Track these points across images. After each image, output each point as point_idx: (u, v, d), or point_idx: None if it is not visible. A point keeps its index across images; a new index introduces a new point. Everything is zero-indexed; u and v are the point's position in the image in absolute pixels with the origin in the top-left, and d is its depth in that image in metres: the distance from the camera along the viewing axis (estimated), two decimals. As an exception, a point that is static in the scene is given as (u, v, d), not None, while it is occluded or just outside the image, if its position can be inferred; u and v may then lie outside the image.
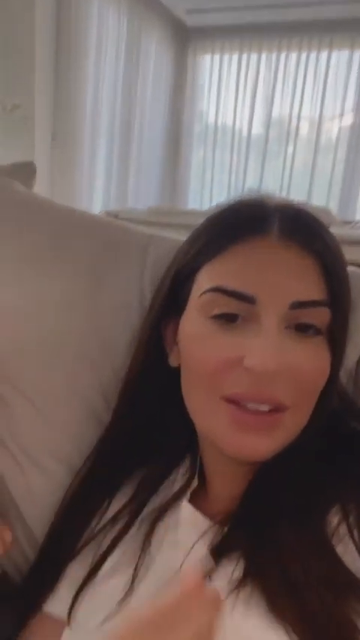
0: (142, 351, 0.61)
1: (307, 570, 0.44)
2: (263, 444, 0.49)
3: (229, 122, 4.56)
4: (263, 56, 4.36)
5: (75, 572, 0.58)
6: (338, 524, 0.47)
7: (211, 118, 4.63)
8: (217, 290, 0.50)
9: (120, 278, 0.69)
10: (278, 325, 0.48)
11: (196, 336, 0.51)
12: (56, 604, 0.58)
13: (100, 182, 3.68)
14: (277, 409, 0.48)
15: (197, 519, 0.53)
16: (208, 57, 4.53)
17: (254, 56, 4.38)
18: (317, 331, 0.49)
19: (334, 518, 0.47)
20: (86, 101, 3.30)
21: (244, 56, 4.40)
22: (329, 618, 0.41)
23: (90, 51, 3.24)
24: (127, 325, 0.67)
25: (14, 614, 0.62)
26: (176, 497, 0.57)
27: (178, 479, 0.61)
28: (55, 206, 0.77)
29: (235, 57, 4.43)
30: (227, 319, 0.49)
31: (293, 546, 0.46)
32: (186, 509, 0.55)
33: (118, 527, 0.58)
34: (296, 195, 4.29)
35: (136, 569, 0.53)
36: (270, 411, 0.48)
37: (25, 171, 0.85)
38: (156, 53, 4.02)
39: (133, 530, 0.57)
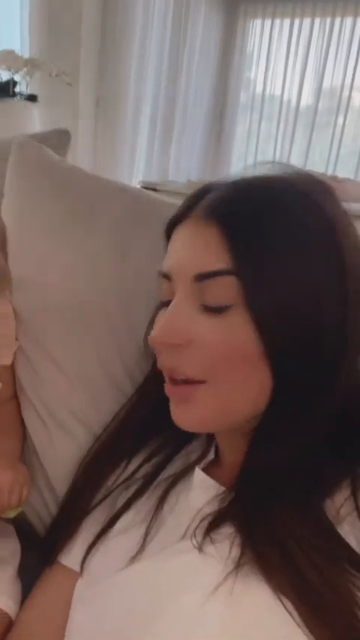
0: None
1: (300, 543, 0.44)
2: (187, 414, 0.51)
3: (278, 91, 4.42)
4: (317, 22, 4.18)
5: (89, 528, 0.61)
6: (345, 499, 0.47)
7: (259, 87, 4.50)
8: (158, 275, 0.55)
9: (144, 247, 0.70)
10: (185, 299, 0.49)
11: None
12: (70, 557, 0.61)
13: (143, 148, 3.66)
14: (190, 381, 0.50)
15: (208, 485, 0.55)
16: (258, 22, 4.37)
17: (307, 22, 4.20)
18: (223, 308, 0.48)
19: (342, 493, 0.48)
20: (131, 67, 3.26)
21: (297, 21, 4.23)
22: (328, 591, 0.42)
23: (137, 14, 3.18)
24: (149, 293, 0.68)
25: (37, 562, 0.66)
26: (192, 466, 0.59)
27: (195, 449, 0.63)
28: (84, 174, 0.78)
29: (287, 22, 4.26)
30: (169, 304, 0.52)
31: (285, 519, 0.46)
32: (198, 475, 0.57)
33: (133, 489, 0.61)
34: (344, 169, 4.16)
35: (148, 528, 0.55)
36: (186, 382, 0.50)
37: (60, 138, 0.86)
38: (204, 17, 3.91)
39: (147, 494, 0.60)
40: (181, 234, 0.53)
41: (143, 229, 0.70)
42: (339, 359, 0.49)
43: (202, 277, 0.48)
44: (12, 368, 0.73)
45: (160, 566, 0.51)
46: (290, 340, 0.47)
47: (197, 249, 0.50)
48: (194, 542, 0.49)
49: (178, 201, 0.74)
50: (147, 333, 0.62)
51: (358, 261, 0.50)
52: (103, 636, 0.50)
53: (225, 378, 0.48)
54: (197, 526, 0.50)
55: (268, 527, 0.46)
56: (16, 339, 0.72)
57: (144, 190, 0.77)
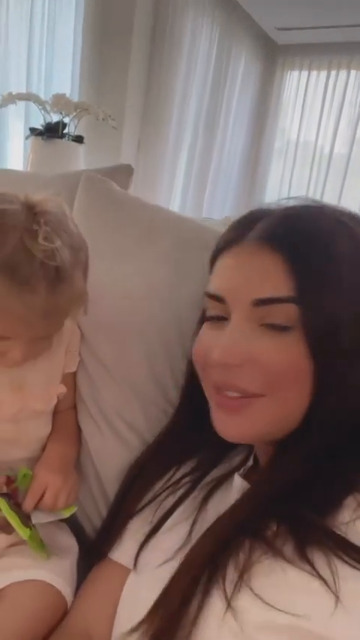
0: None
1: None
2: (239, 425, 0.54)
3: (312, 139, 4.57)
4: (352, 73, 4.35)
5: (137, 527, 0.66)
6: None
7: (294, 135, 4.65)
8: (205, 295, 0.58)
9: (199, 272, 0.75)
10: (243, 322, 0.52)
11: (198, 335, 0.60)
12: (120, 553, 0.66)
13: (179, 190, 3.80)
14: (246, 396, 0.53)
15: (245, 488, 0.59)
16: (295, 73, 4.56)
17: (343, 73, 4.37)
18: (285, 328, 0.51)
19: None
20: (172, 113, 3.43)
21: (333, 73, 4.40)
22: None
23: (181, 65, 3.37)
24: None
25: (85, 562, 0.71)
26: (233, 471, 0.64)
27: (236, 455, 0.68)
28: (145, 205, 0.86)
29: (324, 74, 4.44)
30: (217, 319, 0.57)
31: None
32: (237, 480, 0.62)
33: (180, 491, 0.66)
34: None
35: (193, 525, 0.60)
36: (241, 397, 0.53)
37: (123, 172, 0.94)
38: (244, 69, 4.11)
39: (193, 495, 0.65)
40: (233, 259, 0.56)
41: (198, 253, 0.76)
42: None
43: (262, 302, 0.51)
44: (74, 377, 0.79)
45: None
46: (336, 363, 0.51)
47: (255, 274, 0.53)
48: None
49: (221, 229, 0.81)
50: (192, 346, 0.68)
51: None
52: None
53: (282, 392, 0.52)
54: None
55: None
56: (79, 353, 0.79)
57: (198, 220, 0.84)
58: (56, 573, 0.65)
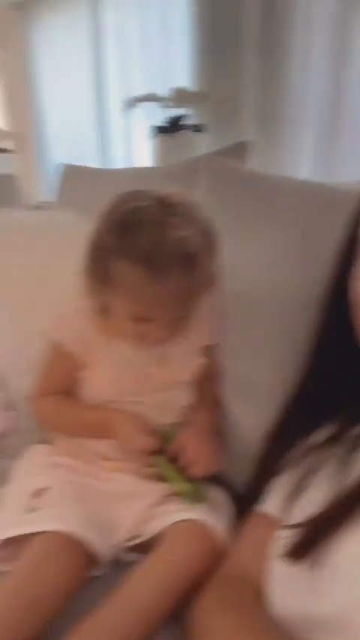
0: (327, 299, 0.69)
1: None
2: None
3: None
4: None
5: (284, 483, 0.69)
6: None
7: None
8: None
9: (326, 232, 0.75)
10: None
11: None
12: (268, 505, 0.69)
13: (307, 160, 3.67)
14: None
15: None
16: None
17: None
18: None
19: None
20: (290, 90, 3.31)
21: None
22: None
23: (297, 34, 3.23)
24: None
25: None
26: None
27: None
28: (265, 176, 0.88)
29: None
30: None
31: None
32: None
33: (324, 450, 0.67)
34: None
35: (339, 480, 0.61)
36: None
37: (240, 149, 0.97)
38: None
39: (337, 451, 0.66)
40: None
41: (324, 213, 0.77)
42: None
43: None
44: (215, 348, 0.85)
45: None
46: None
47: None
48: None
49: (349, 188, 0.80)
50: (330, 295, 0.69)
51: None
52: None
53: None
54: None
55: None
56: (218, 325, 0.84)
57: (320, 182, 0.84)
58: (210, 515, 0.71)
